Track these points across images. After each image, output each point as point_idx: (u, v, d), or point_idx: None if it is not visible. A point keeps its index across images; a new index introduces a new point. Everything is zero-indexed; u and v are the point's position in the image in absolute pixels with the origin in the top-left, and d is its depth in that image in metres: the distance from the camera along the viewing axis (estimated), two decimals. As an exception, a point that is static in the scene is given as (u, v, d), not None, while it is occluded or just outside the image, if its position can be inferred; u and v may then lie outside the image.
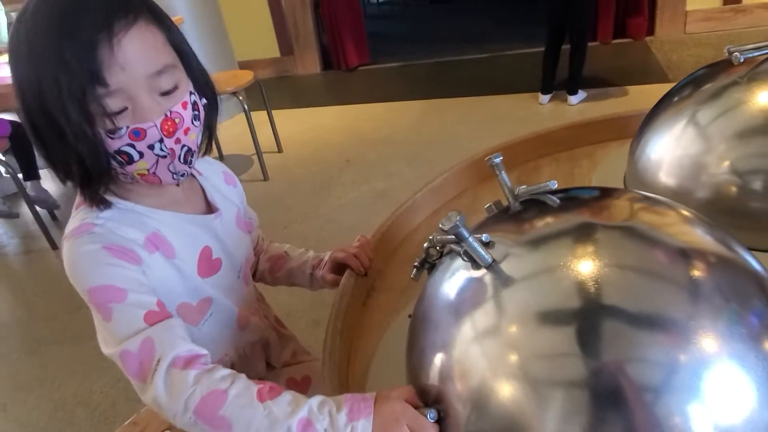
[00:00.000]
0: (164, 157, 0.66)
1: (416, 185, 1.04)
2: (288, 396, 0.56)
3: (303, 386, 0.92)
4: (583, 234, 0.50)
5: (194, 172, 0.80)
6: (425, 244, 0.62)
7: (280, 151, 3.29)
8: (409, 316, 0.61)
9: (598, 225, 0.51)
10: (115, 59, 0.60)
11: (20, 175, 2.72)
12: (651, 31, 3.98)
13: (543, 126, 1.15)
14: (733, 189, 0.72)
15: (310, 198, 2.75)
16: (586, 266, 0.46)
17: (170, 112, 0.65)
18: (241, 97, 2.79)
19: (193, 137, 0.69)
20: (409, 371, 0.57)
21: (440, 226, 0.51)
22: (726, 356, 0.42)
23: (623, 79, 3.38)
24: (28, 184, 2.79)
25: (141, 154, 0.64)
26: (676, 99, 0.82)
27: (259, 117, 3.16)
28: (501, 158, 0.61)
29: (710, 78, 0.80)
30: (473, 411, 0.47)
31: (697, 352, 0.41)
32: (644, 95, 3.06)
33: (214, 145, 0.79)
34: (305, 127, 3.63)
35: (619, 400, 0.41)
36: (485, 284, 0.50)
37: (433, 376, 0.51)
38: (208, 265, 0.78)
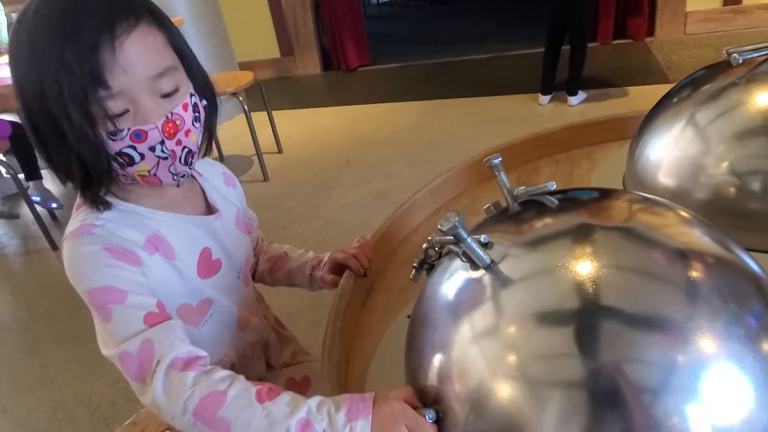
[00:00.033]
0: (165, 158, 0.66)
1: (416, 186, 1.04)
2: (287, 397, 0.57)
3: (302, 387, 0.92)
4: (581, 235, 0.50)
5: (194, 173, 0.80)
6: (424, 245, 0.62)
7: (280, 151, 3.29)
8: (408, 316, 0.61)
9: (596, 226, 0.51)
10: (117, 62, 0.60)
11: (21, 176, 2.72)
12: (651, 32, 3.98)
13: (543, 127, 1.15)
14: (732, 190, 0.72)
15: (310, 199, 2.75)
16: (584, 267, 0.46)
17: (171, 114, 0.65)
18: (241, 98, 2.79)
19: (194, 138, 0.69)
20: (408, 372, 0.57)
21: (439, 227, 0.51)
22: (724, 357, 0.42)
23: (623, 79, 3.38)
24: (30, 184, 2.79)
25: (142, 156, 0.65)
26: (674, 100, 0.83)
27: (259, 118, 3.16)
28: (500, 159, 0.61)
29: (709, 79, 0.80)
30: (472, 411, 0.47)
31: (695, 352, 0.41)
32: (644, 96, 3.06)
33: (214, 146, 0.80)
34: (305, 127, 3.64)
35: (617, 401, 0.41)
36: (484, 285, 0.50)
37: (432, 376, 0.51)
38: (207, 265, 0.78)
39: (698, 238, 0.50)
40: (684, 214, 0.53)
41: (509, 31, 4.99)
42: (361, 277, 0.85)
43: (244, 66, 4.01)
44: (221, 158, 3.27)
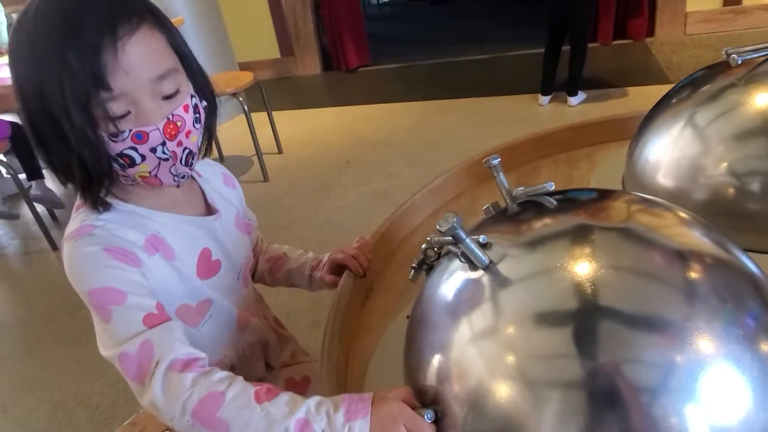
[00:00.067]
0: (166, 159, 0.66)
1: (416, 186, 1.04)
2: (285, 397, 0.57)
3: (302, 387, 0.92)
4: (579, 236, 0.50)
5: (194, 174, 0.80)
6: (423, 246, 0.62)
7: (280, 152, 3.29)
8: (407, 317, 0.61)
9: (594, 227, 0.51)
10: (119, 64, 0.60)
11: (22, 176, 2.72)
12: (651, 32, 3.98)
13: (543, 127, 1.15)
14: (731, 191, 0.72)
15: (310, 199, 2.75)
16: (582, 268, 0.46)
17: (172, 115, 0.65)
18: (241, 98, 2.79)
19: (195, 140, 0.69)
20: (407, 372, 0.57)
21: (437, 227, 0.51)
22: (722, 357, 0.42)
23: (623, 80, 3.38)
24: (32, 184, 2.79)
25: (143, 157, 0.65)
26: (674, 101, 0.83)
27: (260, 118, 3.16)
28: (499, 160, 0.61)
29: (708, 80, 0.80)
30: (470, 411, 0.47)
31: (694, 353, 0.41)
32: (644, 96, 3.06)
33: (214, 147, 0.80)
34: (305, 128, 3.64)
35: (615, 401, 0.41)
36: (482, 285, 0.50)
37: (431, 376, 0.51)
38: (207, 266, 0.78)
39: (697, 238, 0.50)
40: (683, 214, 0.53)
41: (509, 32, 4.99)
42: (360, 278, 0.85)
43: (244, 66, 4.00)
44: (221, 159, 3.27)
